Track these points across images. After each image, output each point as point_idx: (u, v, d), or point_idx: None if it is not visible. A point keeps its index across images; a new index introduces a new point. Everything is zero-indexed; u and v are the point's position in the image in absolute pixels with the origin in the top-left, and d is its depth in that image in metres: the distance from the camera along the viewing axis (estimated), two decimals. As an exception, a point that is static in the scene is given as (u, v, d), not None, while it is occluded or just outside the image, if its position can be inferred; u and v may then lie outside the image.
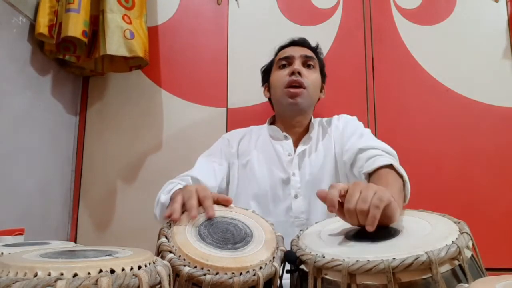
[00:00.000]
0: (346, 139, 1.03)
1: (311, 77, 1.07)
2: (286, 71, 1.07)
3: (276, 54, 1.17)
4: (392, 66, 1.45)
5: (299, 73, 1.04)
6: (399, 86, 1.44)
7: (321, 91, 1.16)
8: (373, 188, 0.58)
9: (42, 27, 1.21)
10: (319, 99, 1.17)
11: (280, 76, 1.08)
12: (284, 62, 1.09)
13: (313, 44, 1.18)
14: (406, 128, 1.40)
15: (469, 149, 1.36)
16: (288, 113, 1.09)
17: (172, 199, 0.82)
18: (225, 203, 0.74)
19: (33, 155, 1.25)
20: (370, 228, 0.55)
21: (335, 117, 1.14)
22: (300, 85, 1.04)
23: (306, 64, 1.09)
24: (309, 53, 1.11)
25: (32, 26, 1.24)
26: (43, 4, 1.23)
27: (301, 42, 1.14)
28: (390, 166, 0.82)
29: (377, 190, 0.57)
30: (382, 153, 0.87)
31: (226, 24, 1.53)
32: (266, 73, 1.19)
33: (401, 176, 0.80)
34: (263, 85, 1.23)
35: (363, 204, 0.56)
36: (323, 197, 0.58)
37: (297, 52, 1.09)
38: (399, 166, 0.82)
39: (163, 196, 0.87)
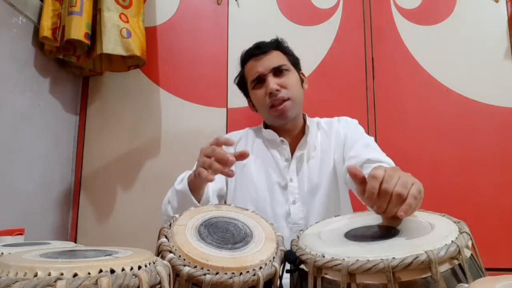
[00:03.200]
0: (349, 145, 1.00)
1: (288, 82, 1.02)
2: (263, 90, 1.03)
3: (242, 66, 1.11)
4: (392, 66, 1.45)
5: (277, 90, 1.00)
6: (399, 86, 1.44)
7: (302, 84, 1.10)
8: (412, 178, 0.58)
9: (46, 30, 1.22)
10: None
11: (260, 98, 1.04)
12: (256, 81, 1.04)
13: (268, 39, 1.10)
14: (406, 128, 1.40)
15: (469, 149, 1.36)
16: (279, 124, 1.07)
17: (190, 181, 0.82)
18: (243, 157, 0.75)
19: (33, 155, 1.25)
20: (403, 215, 0.54)
21: (335, 119, 1.11)
22: (282, 101, 1.01)
23: (278, 72, 1.03)
24: (275, 61, 1.04)
25: (33, 27, 1.25)
26: (46, 7, 1.24)
27: (263, 51, 1.05)
28: None
29: (416, 182, 0.57)
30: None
31: (226, 24, 1.53)
32: (243, 88, 1.14)
33: None
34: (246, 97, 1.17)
35: (402, 189, 0.54)
36: (354, 174, 0.58)
37: (264, 65, 1.03)
38: None
39: (179, 185, 0.85)
